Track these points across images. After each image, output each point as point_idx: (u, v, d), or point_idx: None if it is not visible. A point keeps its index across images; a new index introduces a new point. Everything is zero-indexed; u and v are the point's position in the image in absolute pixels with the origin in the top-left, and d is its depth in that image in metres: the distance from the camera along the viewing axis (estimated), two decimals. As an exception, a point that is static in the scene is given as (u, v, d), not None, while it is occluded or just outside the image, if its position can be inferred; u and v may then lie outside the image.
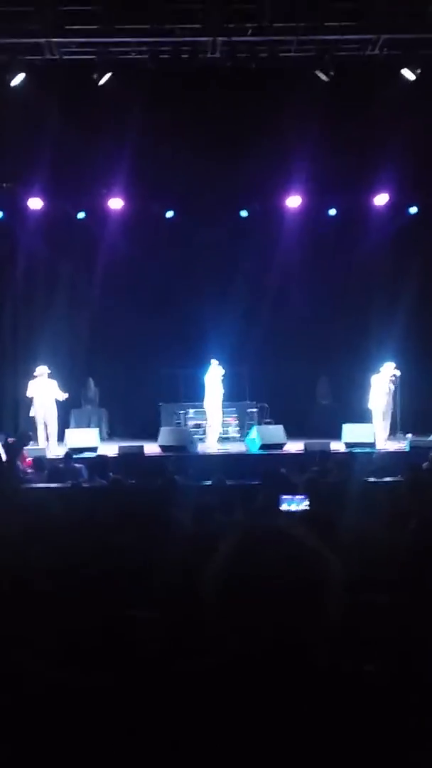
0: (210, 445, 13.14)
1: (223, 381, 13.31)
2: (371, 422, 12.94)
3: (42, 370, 12.86)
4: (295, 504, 5.06)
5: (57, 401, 12.85)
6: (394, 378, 13.01)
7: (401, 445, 12.65)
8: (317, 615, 1.41)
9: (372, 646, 1.76)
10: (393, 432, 13.27)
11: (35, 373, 12.88)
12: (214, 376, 13.19)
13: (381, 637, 1.91)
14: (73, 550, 2.90)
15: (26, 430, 12.21)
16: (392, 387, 13.06)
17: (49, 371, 12.90)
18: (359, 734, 1.43)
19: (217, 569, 1.45)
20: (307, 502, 4.99)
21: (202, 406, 13.72)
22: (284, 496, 5.13)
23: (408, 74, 12.00)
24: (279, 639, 1.39)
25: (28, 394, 12.85)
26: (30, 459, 10.51)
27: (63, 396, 12.83)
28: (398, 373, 13.03)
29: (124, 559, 2.97)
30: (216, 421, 13.33)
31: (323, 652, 1.42)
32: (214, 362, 13.26)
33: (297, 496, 5.10)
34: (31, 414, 12.91)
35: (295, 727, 1.40)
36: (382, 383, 13.00)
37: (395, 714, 1.51)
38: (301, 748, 1.40)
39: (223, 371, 13.24)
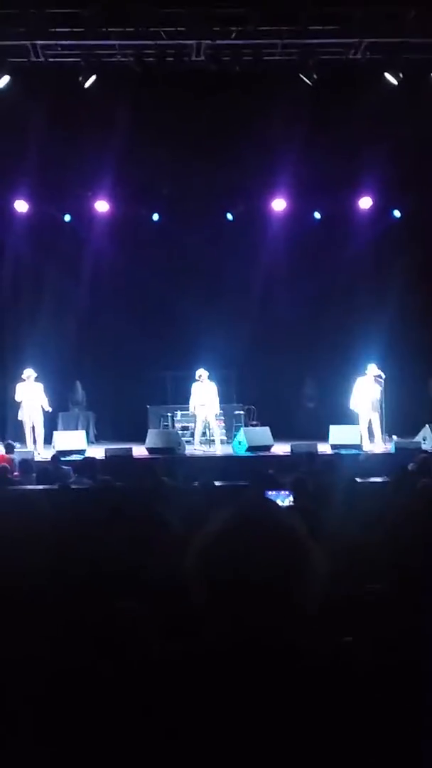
0: (195, 447, 13.19)
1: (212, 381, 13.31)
2: (358, 424, 13.01)
3: (29, 373, 12.88)
4: (280, 500, 5.12)
5: (44, 403, 12.89)
6: (379, 379, 13.07)
7: (387, 446, 12.72)
8: (299, 601, 1.46)
9: (352, 636, 1.81)
10: (381, 433, 13.28)
11: (23, 376, 12.89)
12: (200, 384, 13.21)
13: (360, 627, 1.97)
14: (62, 549, 2.93)
15: (10, 440, 12.21)
16: (378, 388, 13.11)
17: (36, 374, 12.92)
18: (342, 720, 1.48)
19: (202, 545, 1.50)
20: (292, 498, 5.05)
21: (189, 409, 13.77)
22: (270, 492, 5.18)
23: (390, 78, 12.11)
24: (261, 624, 1.44)
25: (17, 398, 12.87)
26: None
27: (48, 407, 12.88)
28: (382, 374, 13.08)
29: (114, 559, 3.00)
30: (199, 423, 13.35)
31: (304, 639, 1.47)
32: (204, 373, 13.25)
33: (282, 492, 5.16)
34: (19, 417, 12.93)
35: (280, 712, 1.44)
36: (367, 385, 13.06)
37: (377, 699, 1.56)
38: (286, 733, 1.44)
39: (207, 373, 13.24)
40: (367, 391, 13.02)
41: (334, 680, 1.51)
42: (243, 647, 1.47)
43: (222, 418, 14.16)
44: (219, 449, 13.13)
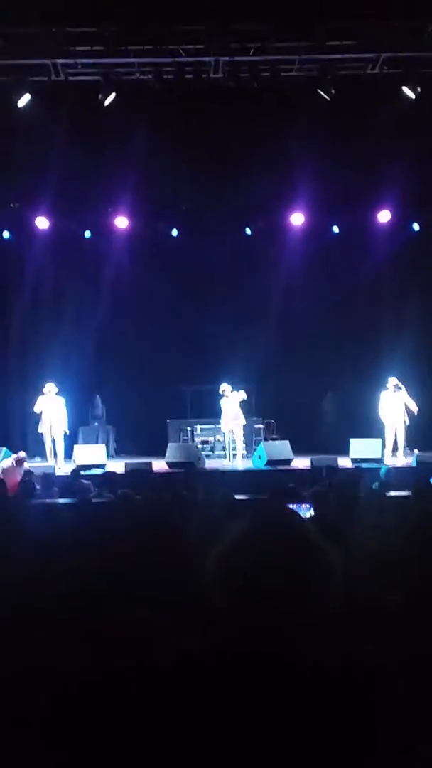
0: (226, 462, 13.19)
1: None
2: (382, 437, 12.93)
3: (50, 388, 12.97)
4: (301, 513, 5.10)
5: (63, 418, 12.97)
6: (398, 389, 12.93)
7: (408, 460, 12.64)
8: (314, 607, 1.46)
9: (372, 645, 1.81)
10: (404, 447, 13.17)
11: (43, 390, 12.99)
12: (226, 399, 13.24)
13: (380, 636, 1.96)
14: (83, 560, 2.95)
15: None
16: (402, 397, 12.96)
17: (57, 389, 13.02)
18: (353, 726, 1.48)
19: (221, 550, 1.51)
20: (312, 511, 5.02)
21: (208, 423, 13.76)
22: (290, 505, 5.16)
23: (408, 92, 12.14)
24: (279, 631, 1.44)
25: (36, 409, 12.96)
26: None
27: (67, 431, 12.98)
28: (400, 384, 12.97)
29: (133, 570, 3.02)
30: (228, 437, 13.39)
31: (323, 647, 1.47)
32: (227, 387, 13.27)
33: (303, 505, 5.14)
34: (39, 430, 13.02)
35: (299, 721, 1.44)
36: (391, 397, 12.99)
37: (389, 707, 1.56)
38: (301, 742, 1.44)
39: (230, 387, 13.26)
40: (393, 402, 12.96)
41: (351, 689, 1.51)
42: (260, 654, 1.47)
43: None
44: (240, 463, 13.12)
